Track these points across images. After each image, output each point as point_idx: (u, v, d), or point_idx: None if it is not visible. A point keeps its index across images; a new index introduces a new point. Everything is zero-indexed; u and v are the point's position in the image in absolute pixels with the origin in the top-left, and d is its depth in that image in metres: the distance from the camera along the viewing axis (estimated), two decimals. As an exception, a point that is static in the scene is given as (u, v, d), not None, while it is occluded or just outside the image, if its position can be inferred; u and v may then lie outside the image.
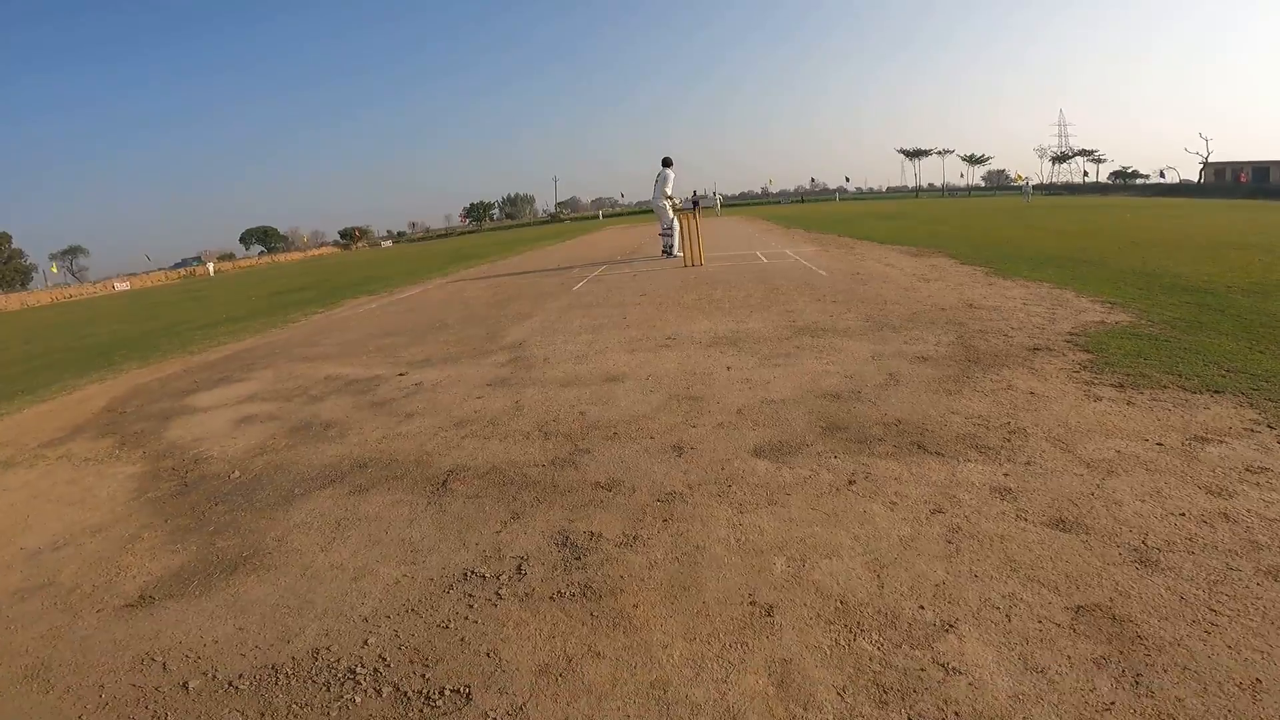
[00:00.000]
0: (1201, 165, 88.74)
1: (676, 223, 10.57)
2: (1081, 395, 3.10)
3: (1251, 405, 2.87)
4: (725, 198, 53.25)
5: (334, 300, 11.48)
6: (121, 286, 71.24)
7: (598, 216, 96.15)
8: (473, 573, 2.07)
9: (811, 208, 54.11)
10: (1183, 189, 78.63)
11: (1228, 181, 76.44)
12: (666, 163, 10.91)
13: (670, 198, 10.64)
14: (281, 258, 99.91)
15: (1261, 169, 75.93)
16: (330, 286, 16.10)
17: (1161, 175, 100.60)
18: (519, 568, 2.07)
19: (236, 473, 3.24)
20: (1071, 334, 4.25)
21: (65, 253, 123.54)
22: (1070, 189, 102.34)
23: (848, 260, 8.69)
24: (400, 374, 4.87)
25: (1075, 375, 3.40)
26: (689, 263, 8.92)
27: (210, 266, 78.26)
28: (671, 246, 10.64)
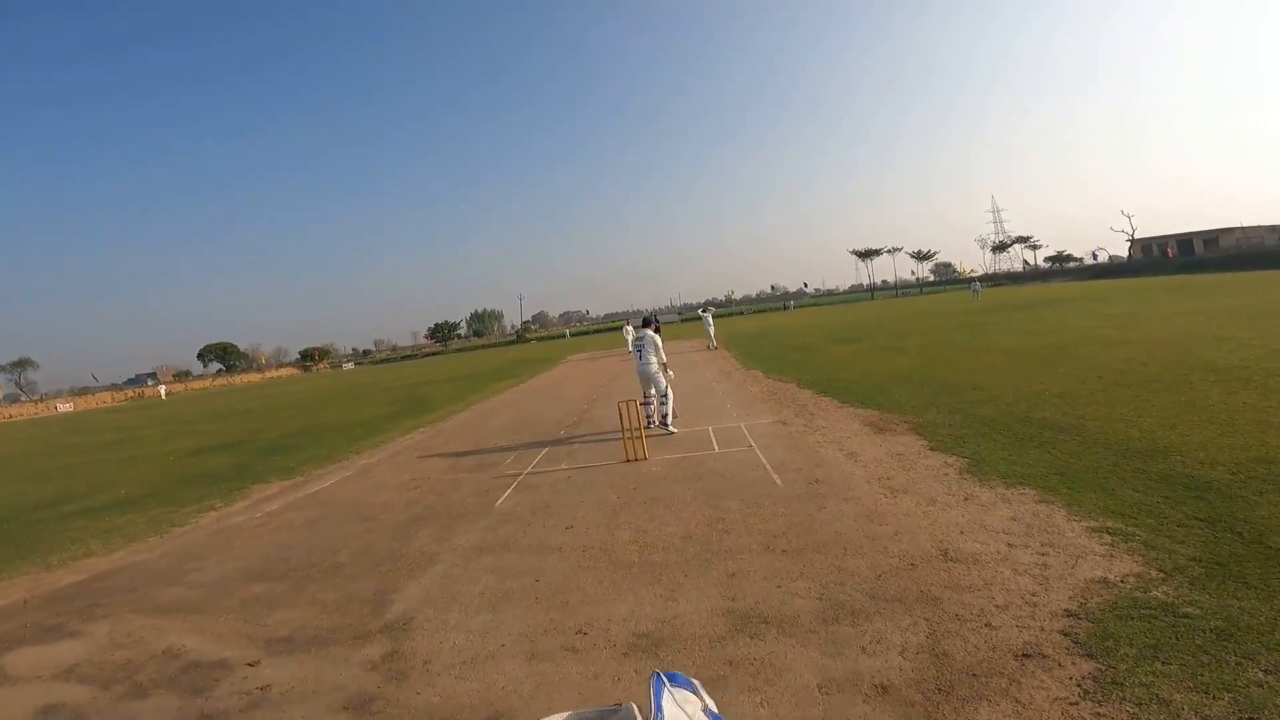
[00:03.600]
0: (1129, 242, 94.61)
1: (670, 392, 9.47)
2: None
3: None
4: (680, 311, 53.92)
5: (244, 480, 10.44)
6: (65, 408, 67.94)
7: (565, 335, 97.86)
8: None
9: (771, 320, 55.18)
10: (1115, 269, 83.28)
11: (1155, 257, 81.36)
12: (648, 323, 9.89)
13: (664, 365, 9.49)
14: (239, 379, 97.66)
15: (1185, 241, 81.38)
16: (259, 446, 14.97)
17: (1094, 257, 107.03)
18: None
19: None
20: (1070, 615, 3.43)
21: (14, 365, 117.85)
22: (1012, 278, 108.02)
23: (805, 445, 7.85)
24: (250, 663, 4.04)
25: (1071, 712, 2.51)
26: (631, 456, 7.98)
27: (162, 390, 75.90)
28: (667, 416, 9.29)
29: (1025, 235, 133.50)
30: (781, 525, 5.24)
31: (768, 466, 6.91)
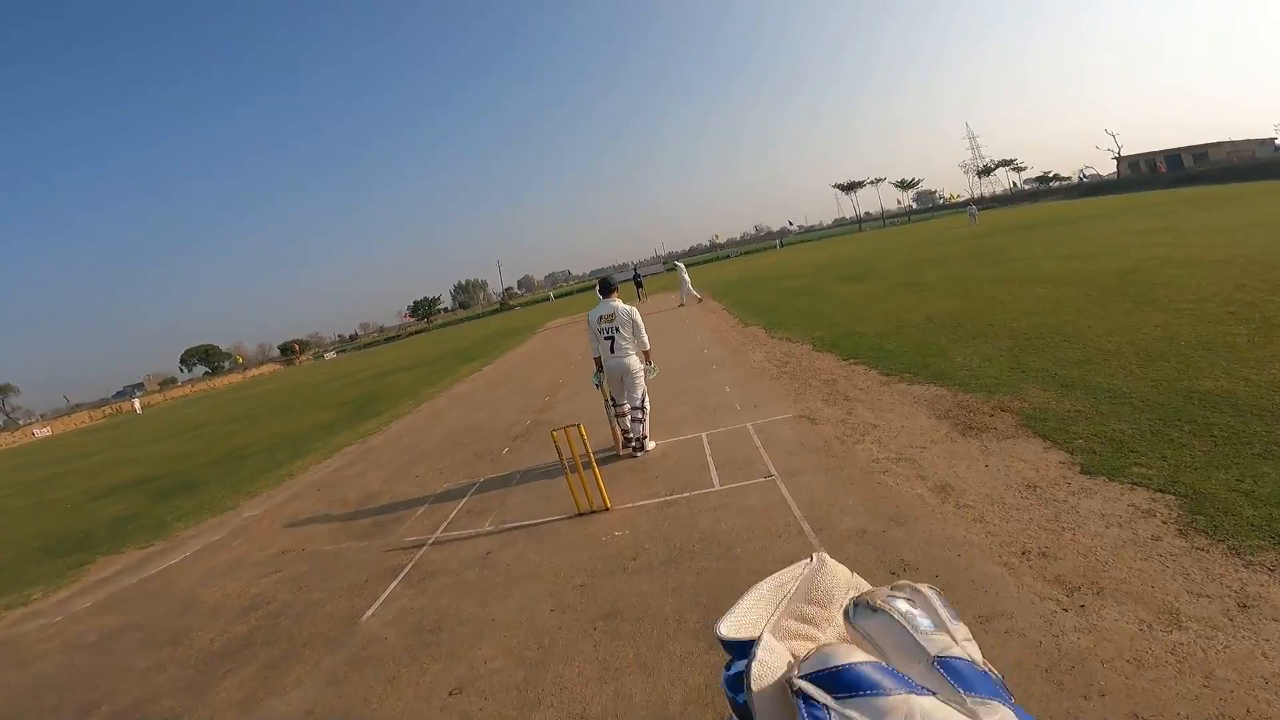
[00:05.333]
0: (1116, 160, 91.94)
1: (647, 401, 6.35)
2: None
3: None
4: (665, 260, 51.01)
5: (103, 547, 7.72)
6: (41, 433, 65.94)
7: (548, 297, 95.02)
8: None
9: (762, 261, 51.93)
10: (1105, 186, 79.97)
11: (1144, 173, 78.30)
12: (609, 289, 6.49)
13: (648, 355, 6.40)
14: (220, 381, 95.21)
15: (1173, 156, 78.42)
16: (170, 482, 12.44)
17: (1083, 176, 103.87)
18: None
19: None
20: None
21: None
22: (999, 200, 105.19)
23: (857, 467, 5.06)
24: None
25: None
26: (585, 506, 5.16)
27: (137, 404, 73.27)
28: (644, 438, 6.32)
29: (1008, 158, 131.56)
30: None
31: (806, 527, 4.07)
